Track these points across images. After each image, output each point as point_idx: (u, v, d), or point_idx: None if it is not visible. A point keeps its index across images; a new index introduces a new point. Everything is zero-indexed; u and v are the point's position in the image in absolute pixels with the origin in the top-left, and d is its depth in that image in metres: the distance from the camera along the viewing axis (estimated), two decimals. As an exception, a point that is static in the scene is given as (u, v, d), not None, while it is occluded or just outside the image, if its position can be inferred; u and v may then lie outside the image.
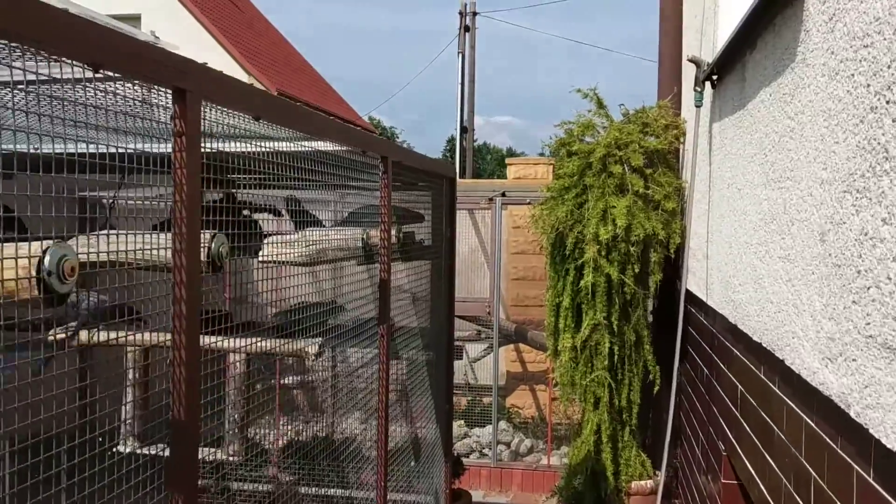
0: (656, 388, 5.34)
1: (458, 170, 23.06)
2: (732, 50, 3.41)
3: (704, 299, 4.44)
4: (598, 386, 5.32)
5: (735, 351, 3.57)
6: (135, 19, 21.05)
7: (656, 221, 5.06)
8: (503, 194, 7.13)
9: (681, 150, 5.56)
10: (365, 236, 2.55)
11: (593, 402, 5.37)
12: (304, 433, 2.97)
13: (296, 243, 2.29)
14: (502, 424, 7.54)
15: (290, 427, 2.95)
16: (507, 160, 9.05)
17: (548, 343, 5.60)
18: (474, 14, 22.93)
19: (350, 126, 2.40)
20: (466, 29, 22.80)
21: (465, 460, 6.67)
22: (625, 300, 5.18)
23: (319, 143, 2.31)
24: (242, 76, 20.90)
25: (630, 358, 5.30)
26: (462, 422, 7.76)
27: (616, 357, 5.25)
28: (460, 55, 22.61)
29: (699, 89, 4.08)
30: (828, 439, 2.11)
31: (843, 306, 1.90)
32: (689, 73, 5.32)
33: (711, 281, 4.18)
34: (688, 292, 4.92)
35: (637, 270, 5.09)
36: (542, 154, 4.89)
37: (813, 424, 2.29)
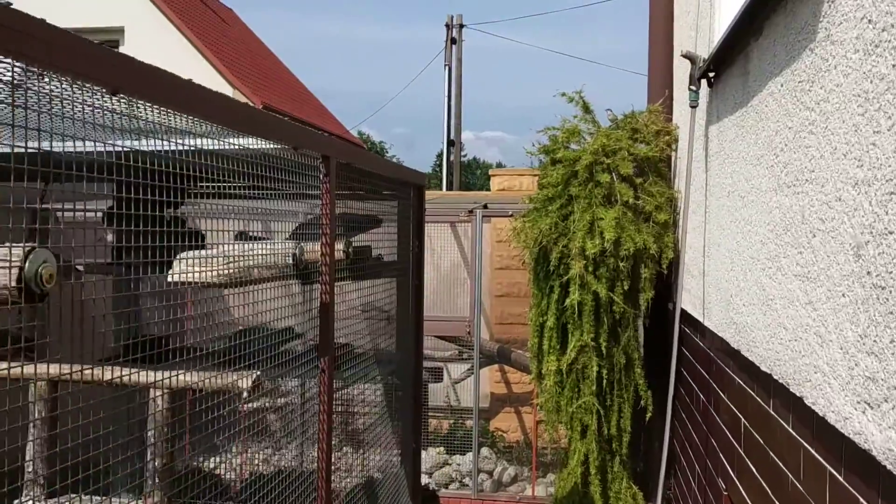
0: (648, 415, 4.93)
1: (444, 184, 22.69)
2: (733, 40, 3.02)
3: (701, 319, 4.04)
4: (585, 413, 4.90)
5: (737, 379, 3.17)
6: (118, 32, 20.80)
7: (647, 234, 4.66)
8: (485, 206, 6.72)
9: (673, 158, 5.18)
10: (298, 252, 2.12)
11: (580, 429, 4.95)
12: (226, 480, 2.53)
13: (214, 261, 1.88)
14: (484, 451, 7.09)
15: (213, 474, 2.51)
16: (491, 171, 8.64)
17: (531, 366, 5.18)
18: (461, 26, 22.62)
19: (275, 116, 1.99)
20: (453, 41, 22.49)
21: (444, 491, 6.22)
22: (614, 320, 4.77)
23: (244, 139, 1.90)
24: (227, 89, 20.64)
25: (620, 382, 4.88)
26: (442, 448, 7.31)
27: (605, 381, 4.83)
28: (447, 68, 22.29)
29: (694, 88, 3.69)
30: (865, 502, 1.70)
31: (889, 339, 1.50)
32: (681, 74, 4.94)
33: (709, 300, 3.78)
34: (682, 311, 4.52)
35: (627, 287, 4.68)
36: (532, 166, 4.50)
37: (841, 479, 1.88)
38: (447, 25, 22.50)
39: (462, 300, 7.48)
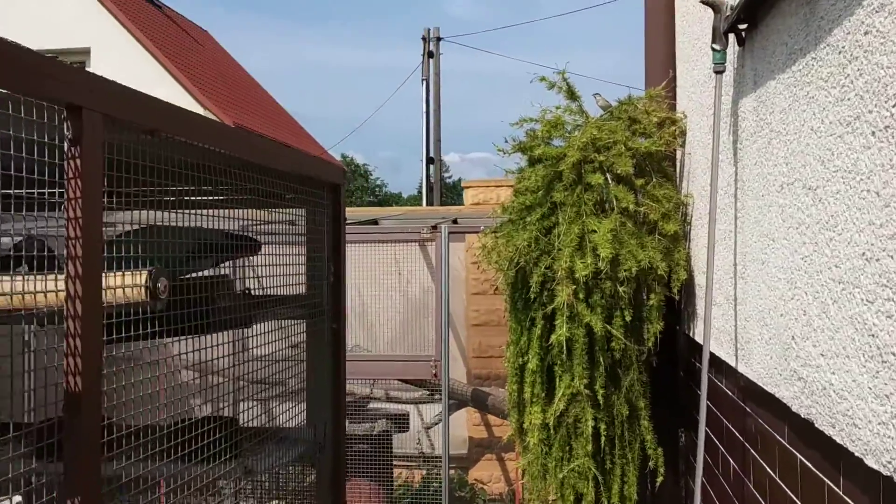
0: (659, 479, 3.89)
1: (425, 204, 21.67)
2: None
3: (730, 362, 3.03)
4: (579, 479, 3.85)
5: (801, 457, 2.15)
6: (84, 53, 19.93)
7: (653, 250, 3.65)
8: (455, 221, 5.70)
9: (679, 154, 4.19)
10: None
11: (574, 500, 3.90)
12: None
13: None
14: (459, 516, 6.00)
15: None
16: (464, 182, 7.61)
17: (510, 419, 4.14)
18: (438, 39, 21.75)
19: None
20: (430, 55, 21.63)
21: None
22: (613, 360, 3.75)
23: None
24: (197, 108, 19.82)
25: (622, 439, 3.85)
26: (408, 512, 6.21)
27: (603, 438, 3.80)
28: (424, 82, 21.39)
29: (718, 47, 2.69)
30: None
31: None
32: (686, 49, 3.96)
33: (746, 337, 2.76)
34: (694, 346, 3.51)
35: (629, 318, 3.67)
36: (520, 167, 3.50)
37: None
38: (424, 39, 21.63)
39: (434, 332, 6.44)
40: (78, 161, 1.15)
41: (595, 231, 3.62)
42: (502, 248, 3.86)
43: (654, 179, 3.85)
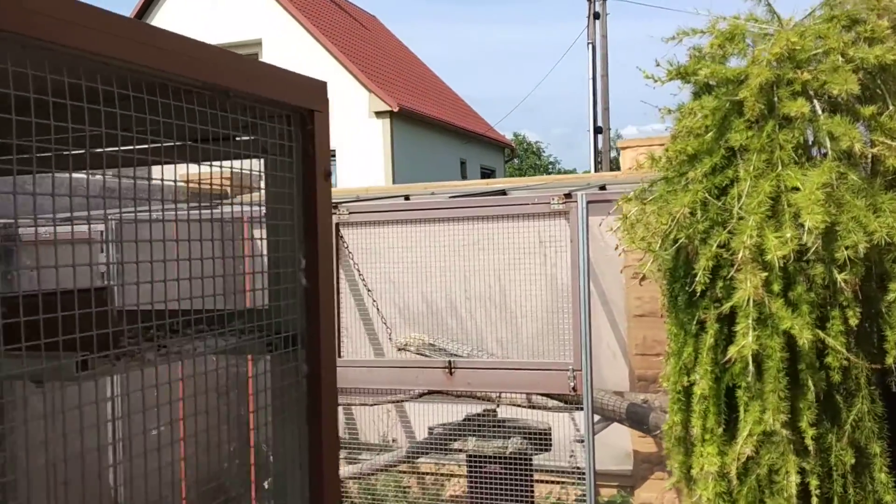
0: (905, 559, 2.58)
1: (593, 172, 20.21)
2: None
3: None
4: (777, 554, 2.63)
5: None
6: (256, 45, 20.40)
7: (893, 215, 2.35)
8: (602, 187, 4.47)
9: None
10: None
11: (770, 583, 2.68)
12: None
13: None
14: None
15: None
16: (619, 142, 6.31)
17: (671, 462, 2.95)
18: (604, -1, 20.09)
19: None
20: (596, 16, 20.03)
21: None
22: (829, 383, 2.49)
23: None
24: (362, 92, 19.77)
25: (845, 499, 2.60)
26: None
27: (816, 498, 2.56)
28: (590, 46, 19.83)
29: None
30: None
31: None
32: None
33: None
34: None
35: (853, 321, 2.40)
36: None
37: None
38: (588, -1, 20.05)
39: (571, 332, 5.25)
40: None
41: (798, 189, 2.36)
42: (652, 218, 2.67)
43: (892, 106, 2.52)
